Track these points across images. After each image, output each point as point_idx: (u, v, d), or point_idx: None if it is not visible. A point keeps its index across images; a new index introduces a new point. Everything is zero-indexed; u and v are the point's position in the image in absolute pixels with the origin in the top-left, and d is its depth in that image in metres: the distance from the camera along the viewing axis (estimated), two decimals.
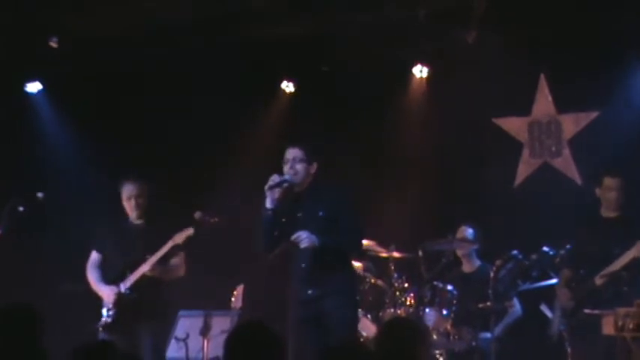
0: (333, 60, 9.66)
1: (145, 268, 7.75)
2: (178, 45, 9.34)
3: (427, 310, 8.36)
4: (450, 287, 8.44)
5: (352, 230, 7.08)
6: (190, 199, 8.57)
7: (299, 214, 7.08)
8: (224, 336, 7.83)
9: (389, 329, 5.16)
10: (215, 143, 9.66)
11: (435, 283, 8.47)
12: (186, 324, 7.98)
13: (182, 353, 8.15)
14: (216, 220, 7.72)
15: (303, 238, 6.90)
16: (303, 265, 7.00)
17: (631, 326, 6.22)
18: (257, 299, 8.51)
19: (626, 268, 7.20)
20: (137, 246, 7.85)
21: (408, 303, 8.34)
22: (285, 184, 7.04)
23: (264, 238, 7.08)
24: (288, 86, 10.13)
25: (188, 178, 9.57)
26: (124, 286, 7.81)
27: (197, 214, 7.68)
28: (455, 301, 8.40)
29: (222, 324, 8.12)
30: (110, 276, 7.92)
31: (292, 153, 7.12)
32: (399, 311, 8.26)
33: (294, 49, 9.48)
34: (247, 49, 9.48)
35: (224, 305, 8.30)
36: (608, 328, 6.51)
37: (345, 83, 9.70)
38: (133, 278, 7.79)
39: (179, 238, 7.72)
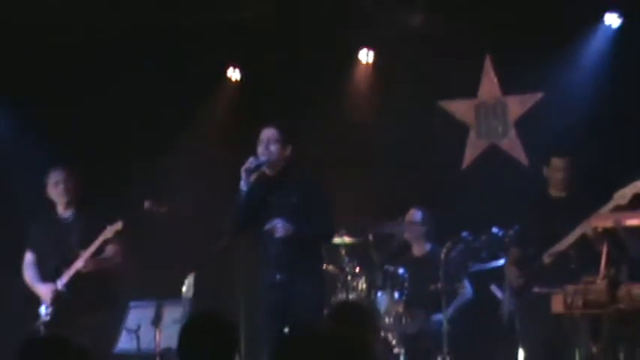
0: (279, 45, 9.62)
1: (78, 265, 7.66)
2: (120, 30, 9.24)
3: (379, 293, 8.39)
4: (400, 271, 8.48)
5: (325, 219, 7.04)
6: (139, 189, 8.49)
7: (271, 198, 7.01)
8: (176, 326, 7.87)
9: (338, 313, 5.16)
10: (161, 131, 9.57)
11: (386, 267, 8.50)
12: (137, 315, 7.93)
13: (134, 345, 8.10)
14: (165, 208, 7.66)
15: (279, 227, 6.84)
16: (273, 250, 6.95)
17: (580, 303, 6.26)
18: (208, 287, 8.47)
19: (574, 246, 7.25)
20: (69, 241, 7.75)
21: (359, 287, 8.36)
22: (263, 168, 6.95)
23: (235, 218, 7.00)
24: (234, 72, 10.06)
25: (135, 168, 9.47)
26: (60, 283, 7.71)
27: (146, 203, 7.62)
28: (406, 284, 8.44)
29: (173, 314, 8.08)
30: (45, 273, 7.83)
31: (267, 133, 7.04)
32: (350, 296, 8.28)
33: (239, 34, 9.43)
34: (192, 35, 9.41)
35: (175, 295, 8.25)
36: (557, 306, 6.54)
37: (291, 69, 9.67)
38: (68, 275, 7.70)
39: (109, 232, 7.66)
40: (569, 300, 6.33)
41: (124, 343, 8.34)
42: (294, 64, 9.65)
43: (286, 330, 6.39)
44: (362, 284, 8.36)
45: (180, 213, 7.82)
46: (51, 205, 7.94)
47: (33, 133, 9.49)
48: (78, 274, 7.67)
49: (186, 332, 4.49)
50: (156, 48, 9.46)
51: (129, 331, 8.04)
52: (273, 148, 6.99)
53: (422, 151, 9.47)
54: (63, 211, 7.88)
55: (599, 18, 8.87)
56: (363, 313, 5.13)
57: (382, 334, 8.35)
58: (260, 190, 7.02)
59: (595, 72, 8.91)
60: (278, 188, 7.02)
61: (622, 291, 6.14)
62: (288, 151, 7.06)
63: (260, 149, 7.01)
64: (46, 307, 7.75)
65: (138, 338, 8.09)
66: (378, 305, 8.35)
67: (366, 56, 9.75)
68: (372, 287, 8.37)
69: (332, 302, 8.28)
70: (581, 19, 8.85)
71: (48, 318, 7.72)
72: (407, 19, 9.21)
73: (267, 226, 6.89)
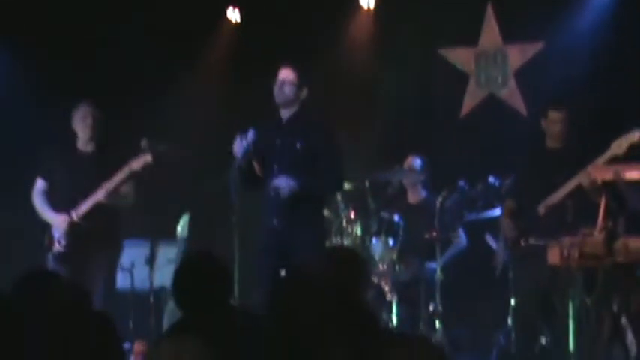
0: None
1: (100, 196, 7.49)
2: None
3: (373, 240, 8.39)
4: (396, 218, 8.47)
5: (331, 170, 6.85)
6: (137, 128, 8.43)
7: (277, 142, 6.86)
8: (170, 265, 7.90)
9: (329, 258, 5.16)
10: (160, 71, 9.50)
11: (381, 213, 8.49)
12: (132, 253, 7.93)
13: (127, 282, 8.12)
14: (164, 148, 7.61)
15: (282, 188, 6.70)
16: (273, 194, 6.80)
17: (576, 255, 6.27)
18: (204, 228, 8.47)
19: (569, 197, 7.24)
20: (89, 173, 7.56)
21: (354, 233, 8.36)
22: (251, 149, 6.77)
23: (236, 187, 6.82)
24: (234, 13, 9.97)
25: (134, 108, 9.41)
26: (76, 215, 7.56)
27: (143, 142, 7.54)
28: (401, 232, 8.44)
29: (168, 253, 8.10)
30: (60, 204, 7.63)
31: (283, 74, 6.86)
32: (345, 241, 8.27)
33: None
34: None
35: (170, 234, 8.26)
36: (553, 257, 6.54)
37: (292, 12, 9.59)
38: (86, 206, 7.54)
39: (136, 164, 7.47)
40: (565, 252, 6.33)
41: (118, 281, 8.36)
42: (295, 8, 9.57)
43: (282, 272, 6.37)
44: (357, 230, 8.35)
45: (178, 153, 7.72)
46: (65, 137, 7.82)
47: (32, 72, 9.43)
48: (96, 207, 7.52)
49: (182, 272, 4.51)
50: None
51: (123, 269, 8.04)
52: (287, 89, 6.81)
53: (421, 98, 9.43)
54: (84, 145, 7.72)
55: None
56: (354, 259, 5.13)
57: (376, 280, 8.37)
58: (270, 133, 6.90)
59: (597, 22, 8.86)
60: (286, 132, 6.86)
61: (619, 244, 6.14)
62: (303, 94, 6.87)
63: (275, 89, 6.86)
64: (59, 238, 7.58)
65: (132, 277, 8.11)
66: (372, 252, 8.35)
67: (367, 2, 9.67)
68: (366, 233, 8.36)
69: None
70: None
71: (62, 250, 7.55)
72: None
73: (271, 186, 6.73)
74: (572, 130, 7.60)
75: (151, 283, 7.69)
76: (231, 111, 9.67)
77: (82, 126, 7.69)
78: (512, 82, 9.41)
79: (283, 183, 6.72)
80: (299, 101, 6.88)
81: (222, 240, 7.96)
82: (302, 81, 6.86)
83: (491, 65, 9.49)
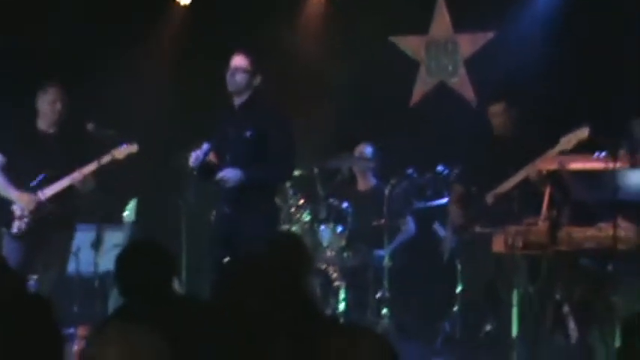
0: None
1: (75, 180, 7.43)
2: None
3: (322, 226, 8.41)
4: (344, 204, 8.50)
5: (281, 158, 6.79)
6: (85, 111, 8.36)
7: (229, 130, 6.81)
8: (116, 250, 7.83)
9: (273, 245, 5.18)
10: (108, 55, 9.41)
11: (331, 200, 8.51)
12: (78, 237, 7.84)
13: (73, 267, 8.07)
14: (111, 132, 7.56)
15: (228, 179, 6.66)
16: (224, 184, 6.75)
17: (520, 244, 6.32)
18: (151, 213, 8.43)
19: (517, 188, 7.30)
20: (53, 155, 7.50)
21: (302, 220, 8.37)
22: (206, 159, 6.76)
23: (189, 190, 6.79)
24: None
25: (82, 89, 9.31)
26: (43, 195, 7.49)
27: (89, 126, 7.49)
28: (349, 219, 8.47)
29: (114, 238, 8.05)
30: (19, 182, 7.51)
31: (236, 61, 6.78)
32: (293, 228, 8.28)
33: None
34: None
35: (116, 219, 8.21)
36: (498, 245, 6.60)
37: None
38: (55, 188, 7.48)
39: (119, 153, 7.45)
40: (510, 240, 6.39)
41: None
42: None
43: (226, 260, 6.36)
44: (305, 217, 8.36)
45: (125, 138, 7.67)
46: (18, 113, 7.71)
47: None
48: (66, 190, 7.46)
49: (122, 258, 4.52)
50: None
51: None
52: (239, 77, 6.75)
53: (372, 86, 9.44)
54: (47, 126, 7.62)
55: None
56: (296, 245, 5.15)
57: (324, 267, 8.39)
58: (223, 121, 6.87)
59: (547, 13, 8.91)
60: (237, 120, 6.81)
61: (562, 233, 6.21)
62: (256, 81, 6.81)
63: (227, 76, 6.79)
64: (22, 216, 7.48)
65: (77, 261, 8.06)
66: (320, 238, 8.37)
67: None
68: (315, 220, 8.38)
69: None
70: None
71: (24, 227, 7.47)
72: None
73: (217, 177, 6.70)
74: (519, 120, 7.65)
75: (96, 267, 7.65)
76: (181, 96, 9.64)
77: (49, 109, 7.60)
78: (462, 71, 9.45)
79: (228, 174, 6.70)
80: (252, 88, 6.83)
81: (171, 225, 7.96)
82: (255, 68, 6.80)
83: (442, 54, 9.53)
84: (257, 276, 4.06)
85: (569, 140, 6.98)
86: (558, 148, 7.04)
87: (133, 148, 7.46)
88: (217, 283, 4.24)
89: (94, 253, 7.69)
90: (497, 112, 7.61)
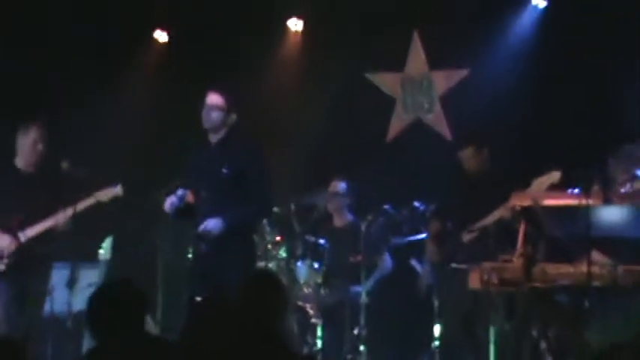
0: (208, 11, 9.53)
1: (58, 221, 7.42)
2: None
3: (299, 263, 8.40)
4: (321, 241, 8.50)
5: (260, 197, 6.78)
6: (61, 150, 8.35)
7: (205, 167, 6.80)
8: (91, 289, 7.79)
9: (249, 283, 5.17)
10: (87, 93, 9.42)
11: (307, 237, 8.50)
12: (52, 276, 7.80)
13: (47, 305, 7.99)
14: (86, 170, 7.53)
15: (209, 231, 6.65)
16: (199, 220, 6.73)
17: (496, 280, 6.33)
18: (128, 251, 8.40)
19: (492, 227, 7.34)
20: (32, 195, 7.47)
21: (279, 257, 8.35)
22: (181, 205, 6.76)
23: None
24: (161, 35, 9.96)
25: (59, 129, 9.31)
26: (24, 236, 7.46)
27: (64, 164, 7.47)
28: (326, 255, 8.46)
29: (89, 276, 7.99)
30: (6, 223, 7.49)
31: (211, 99, 6.79)
32: (270, 265, 8.27)
33: None
34: None
35: (92, 257, 8.16)
36: (474, 282, 6.61)
37: (220, 34, 9.59)
38: (38, 229, 7.45)
39: (103, 196, 7.44)
40: (485, 276, 6.39)
41: None
42: (223, 30, 9.57)
43: (198, 299, 6.34)
44: (282, 253, 8.36)
45: (100, 177, 7.67)
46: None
47: None
48: (47, 231, 7.44)
49: (94, 302, 4.49)
50: (81, 9, 9.32)
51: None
52: (214, 115, 6.76)
53: (347, 122, 9.48)
54: (25, 166, 7.59)
55: None
56: (273, 285, 5.14)
57: (301, 304, 8.37)
58: (199, 157, 6.87)
59: (520, 51, 8.98)
60: (213, 157, 6.81)
61: (537, 269, 6.22)
62: (232, 119, 6.82)
63: (203, 114, 6.81)
64: (1, 258, 7.42)
65: (52, 300, 8.00)
66: (297, 275, 8.36)
67: (294, 25, 9.71)
68: (292, 257, 8.38)
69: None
70: None
71: (2, 268, 7.41)
72: None
73: (199, 229, 6.68)
74: (490, 159, 7.70)
75: (70, 307, 7.60)
76: (158, 133, 9.66)
77: (31, 149, 7.57)
78: (437, 108, 9.50)
79: (210, 226, 6.68)
80: (227, 126, 6.84)
81: (147, 263, 7.92)
82: (230, 106, 6.81)
83: (418, 90, 9.58)
84: (229, 316, 4.05)
85: (541, 183, 7.06)
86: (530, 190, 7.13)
87: (118, 190, 7.47)
88: (187, 323, 4.23)
89: (68, 292, 7.64)
90: (467, 156, 7.70)
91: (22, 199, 7.47)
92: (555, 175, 7.02)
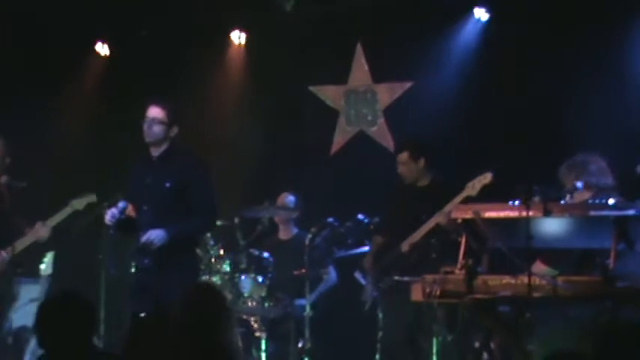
0: (151, 23, 9.49)
1: (43, 234, 7.39)
2: None
3: (243, 277, 8.36)
4: (266, 254, 8.47)
5: (204, 208, 6.74)
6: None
7: (147, 181, 6.75)
8: (33, 304, 7.71)
9: (189, 297, 5.15)
10: (27, 107, 9.33)
11: (251, 250, 8.48)
12: None
13: None
14: (24, 184, 7.46)
15: (152, 241, 6.59)
16: (142, 234, 6.68)
17: (438, 293, 6.35)
18: (67, 266, 8.32)
19: (431, 235, 7.38)
20: (5, 209, 7.44)
21: (223, 270, 8.31)
22: (123, 217, 6.70)
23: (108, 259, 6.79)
24: (103, 48, 9.91)
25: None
26: (6, 254, 7.41)
27: (3, 178, 7.41)
28: (270, 268, 8.44)
29: (31, 292, 7.91)
30: None
31: (153, 112, 6.71)
32: (214, 278, 8.22)
33: (111, 11, 9.28)
34: (62, 9, 9.23)
35: (33, 273, 8.07)
36: (416, 294, 6.61)
37: (163, 46, 9.55)
38: (22, 244, 7.43)
39: (79, 204, 7.40)
40: (427, 289, 6.40)
41: None
42: (166, 42, 9.54)
43: (142, 315, 6.29)
44: (226, 267, 8.32)
45: (40, 190, 7.61)
46: None
47: None
48: (30, 245, 7.45)
49: (44, 310, 4.52)
50: (21, 22, 9.24)
51: None
52: (156, 128, 6.70)
53: (291, 135, 9.48)
54: (1, 179, 7.53)
55: (469, 11, 9.00)
56: (213, 297, 5.13)
57: (245, 317, 8.34)
58: (140, 171, 6.83)
59: (464, 64, 9.04)
60: (155, 171, 6.76)
61: (479, 281, 6.25)
62: (173, 131, 6.76)
63: (144, 127, 6.74)
64: None
65: None
66: (241, 288, 8.32)
67: (238, 38, 9.70)
68: (236, 270, 8.34)
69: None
70: (452, 12, 8.97)
71: None
72: (281, 2, 9.21)
73: (142, 240, 6.63)
74: (427, 170, 7.75)
75: (11, 323, 7.53)
76: (99, 145, 9.59)
77: None
78: (381, 120, 9.53)
79: (152, 236, 6.63)
80: (169, 139, 6.79)
81: (89, 278, 7.85)
82: (172, 119, 6.76)
83: (361, 103, 9.61)
84: (171, 332, 4.03)
85: (473, 186, 7.23)
86: (464, 193, 7.26)
87: (92, 197, 7.44)
88: (131, 338, 4.21)
89: (7, 308, 7.57)
90: (400, 160, 7.78)
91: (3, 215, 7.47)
92: (487, 177, 7.15)
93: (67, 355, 4.38)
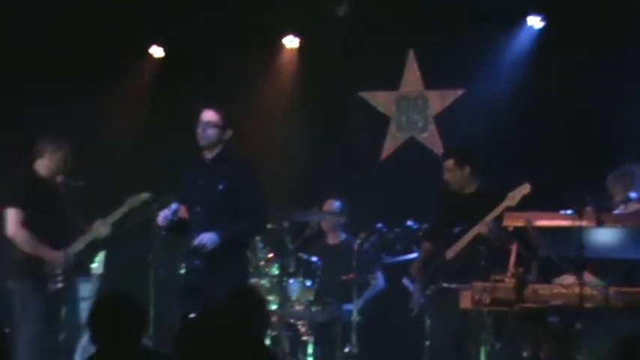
0: (205, 28, 9.55)
1: (102, 232, 7.50)
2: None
3: (291, 280, 8.38)
4: (314, 259, 8.48)
5: (254, 212, 6.80)
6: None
7: (200, 183, 6.82)
8: (84, 302, 7.81)
9: (231, 299, 5.20)
10: (81, 106, 9.43)
11: (300, 254, 8.49)
12: None
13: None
14: (80, 184, 7.56)
15: (204, 244, 6.65)
16: (194, 235, 6.74)
17: (487, 300, 6.34)
18: (118, 265, 8.40)
19: (476, 243, 7.36)
20: (66, 208, 7.54)
21: (271, 274, 8.34)
22: (175, 218, 6.77)
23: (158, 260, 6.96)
24: (156, 51, 10.00)
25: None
26: (72, 251, 7.52)
27: (59, 178, 7.50)
28: (318, 273, 8.44)
29: (82, 290, 8.00)
30: (50, 238, 7.49)
31: (206, 116, 6.79)
32: (262, 282, 8.25)
33: (162, 13, 9.36)
34: (115, 12, 9.33)
35: (85, 271, 8.16)
36: (465, 302, 6.61)
37: (216, 50, 9.61)
38: (84, 240, 7.53)
39: (135, 202, 7.53)
40: (477, 296, 6.40)
41: None
42: (219, 46, 9.60)
43: (191, 315, 6.34)
44: (274, 270, 8.33)
45: (95, 189, 7.71)
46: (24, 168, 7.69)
47: None
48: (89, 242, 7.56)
49: (97, 309, 4.62)
50: (78, 27, 9.35)
51: None
52: (210, 132, 6.76)
53: (341, 140, 9.50)
54: (58, 179, 7.65)
55: (523, 19, 8.96)
56: (254, 299, 5.17)
57: (292, 321, 8.37)
58: (194, 173, 6.89)
59: (516, 71, 9.01)
60: (208, 173, 6.82)
61: (529, 290, 6.22)
62: (227, 135, 6.82)
63: (198, 130, 6.80)
64: (56, 276, 7.48)
65: None
66: (289, 292, 8.34)
67: (290, 42, 9.74)
68: (284, 274, 8.35)
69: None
70: (505, 19, 8.94)
71: (60, 286, 7.48)
72: (333, 7, 9.23)
73: (194, 243, 6.69)
74: (473, 178, 7.72)
75: (78, 321, 7.66)
76: (153, 146, 9.67)
77: (60, 162, 7.59)
78: (432, 127, 9.52)
79: (204, 240, 6.68)
80: (223, 142, 6.85)
81: (139, 278, 7.93)
82: (225, 122, 6.82)
83: (412, 109, 9.60)
84: (215, 332, 4.08)
85: (512, 197, 7.22)
86: (504, 204, 7.23)
87: (146, 195, 7.53)
88: (177, 337, 4.27)
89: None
90: (446, 167, 7.78)
91: (60, 212, 7.55)
92: (526, 187, 7.14)
93: (118, 353, 4.47)
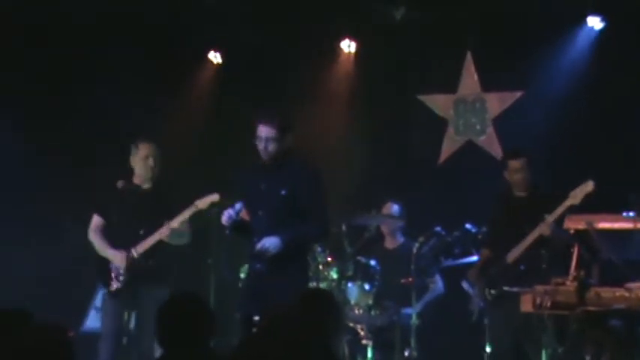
0: (261, 32, 9.61)
1: (164, 233, 7.52)
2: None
3: (349, 284, 8.38)
4: (372, 262, 8.48)
5: (317, 218, 6.78)
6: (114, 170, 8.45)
7: (262, 187, 6.82)
8: None
9: (304, 300, 5.20)
10: (141, 110, 9.52)
11: (358, 257, 8.49)
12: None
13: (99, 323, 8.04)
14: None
15: (267, 247, 6.65)
16: (256, 239, 6.75)
17: (548, 304, 6.29)
18: (179, 270, 8.45)
19: (538, 245, 7.31)
20: (149, 211, 7.59)
21: (330, 277, 8.35)
22: (238, 218, 6.77)
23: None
24: (215, 57, 10.07)
25: (113, 147, 9.43)
26: (135, 252, 7.55)
27: (119, 183, 7.57)
28: (377, 276, 8.44)
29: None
30: (119, 240, 7.61)
31: (265, 132, 6.73)
32: (321, 285, 8.26)
33: (221, 19, 9.43)
34: (175, 17, 9.41)
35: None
36: (526, 305, 6.57)
37: (272, 55, 9.66)
38: (148, 243, 7.56)
39: (202, 204, 7.50)
40: (538, 300, 6.35)
41: (92, 321, 8.28)
42: (276, 51, 9.64)
43: (255, 317, 6.36)
44: (333, 274, 8.34)
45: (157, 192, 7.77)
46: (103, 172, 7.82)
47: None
48: (157, 244, 7.55)
49: (165, 311, 4.58)
50: (136, 34, 9.45)
51: (97, 309, 7.97)
52: (271, 148, 6.71)
53: (399, 143, 9.49)
54: (141, 182, 7.74)
55: (582, 20, 8.89)
56: (327, 302, 5.16)
57: (351, 325, 8.37)
58: (255, 177, 6.89)
59: (575, 73, 8.94)
60: (270, 177, 6.81)
61: (591, 293, 6.17)
62: (287, 142, 6.79)
63: (259, 146, 6.77)
64: (119, 275, 7.56)
65: None
66: (348, 296, 8.35)
67: (347, 47, 9.76)
68: (342, 277, 8.35)
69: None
70: (564, 20, 8.88)
71: (120, 286, 7.54)
72: (390, 11, 9.24)
73: (257, 248, 6.68)
74: (544, 177, 7.68)
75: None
76: (212, 150, 9.75)
77: (142, 165, 7.70)
78: (490, 130, 9.47)
79: (267, 244, 6.69)
80: (286, 148, 6.82)
81: (199, 281, 7.99)
82: (283, 133, 6.76)
83: (470, 112, 9.56)
84: (282, 335, 4.07)
85: (575, 195, 7.15)
86: (567, 203, 7.17)
87: (215, 197, 7.50)
88: (242, 340, 4.27)
89: None
90: (516, 167, 7.69)
91: (137, 215, 7.60)
92: (589, 185, 7.04)
93: (185, 356, 4.45)
